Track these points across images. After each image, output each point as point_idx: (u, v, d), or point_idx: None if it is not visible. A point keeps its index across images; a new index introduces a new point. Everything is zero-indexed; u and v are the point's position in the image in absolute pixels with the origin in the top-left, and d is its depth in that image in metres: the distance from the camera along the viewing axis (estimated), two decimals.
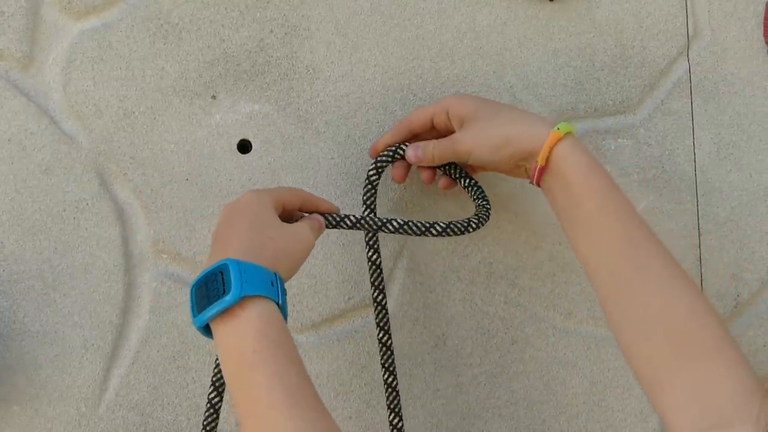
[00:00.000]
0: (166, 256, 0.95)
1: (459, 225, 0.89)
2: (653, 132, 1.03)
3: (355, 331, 0.98)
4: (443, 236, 0.89)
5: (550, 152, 0.84)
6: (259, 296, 0.75)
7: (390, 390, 0.92)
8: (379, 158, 0.93)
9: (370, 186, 0.92)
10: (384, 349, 0.92)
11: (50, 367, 0.93)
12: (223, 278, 0.74)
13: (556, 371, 1.00)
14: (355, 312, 0.98)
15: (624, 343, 0.82)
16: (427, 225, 0.88)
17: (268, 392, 0.72)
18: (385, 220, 0.88)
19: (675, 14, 1.03)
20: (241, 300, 0.74)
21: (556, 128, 0.84)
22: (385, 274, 0.98)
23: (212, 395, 0.86)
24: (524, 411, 1.00)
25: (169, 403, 0.95)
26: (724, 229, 1.03)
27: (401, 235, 0.96)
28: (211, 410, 0.86)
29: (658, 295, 0.80)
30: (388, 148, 0.93)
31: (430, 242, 0.99)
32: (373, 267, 0.92)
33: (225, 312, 0.75)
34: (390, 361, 0.92)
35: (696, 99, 1.03)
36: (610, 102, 1.02)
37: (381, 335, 0.93)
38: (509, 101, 1.00)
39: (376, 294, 0.92)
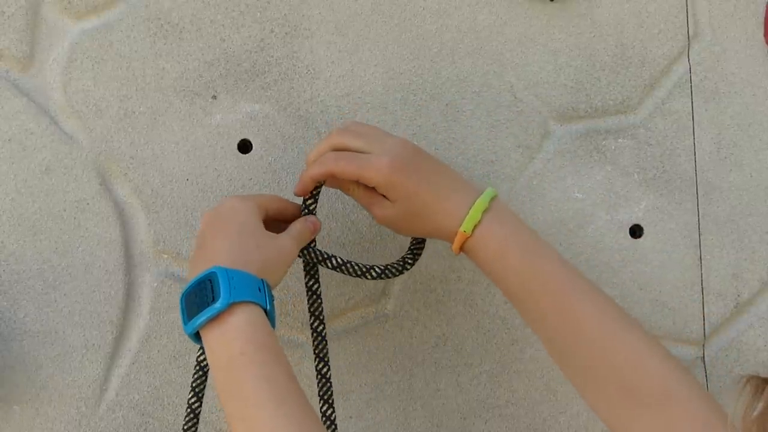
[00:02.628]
0: (166, 256, 0.95)
1: (395, 267, 0.90)
2: (654, 132, 1.03)
3: (355, 331, 0.98)
4: (381, 279, 0.90)
5: (461, 247, 0.85)
6: (247, 302, 0.76)
7: (329, 423, 0.88)
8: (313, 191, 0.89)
9: (307, 212, 0.89)
10: (323, 380, 0.89)
11: (51, 367, 0.93)
12: (212, 286, 0.76)
13: (557, 371, 1.00)
14: (355, 312, 0.98)
15: (584, 398, 0.85)
16: (366, 267, 0.89)
17: (254, 392, 0.74)
18: (327, 255, 0.88)
19: (675, 14, 1.03)
20: (230, 306, 0.75)
21: (463, 228, 0.84)
22: None
23: (192, 400, 0.86)
24: (525, 411, 1.00)
25: (169, 403, 0.95)
26: (725, 228, 1.03)
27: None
28: (191, 414, 0.86)
29: (597, 357, 0.82)
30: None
31: (430, 242, 0.99)
32: (314, 296, 0.90)
33: (214, 318, 0.76)
34: (329, 393, 0.89)
35: (696, 99, 1.03)
36: (611, 102, 1.02)
37: (319, 365, 0.89)
38: (510, 101, 1.00)
39: (316, 324, 0.89)
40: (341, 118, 0.97)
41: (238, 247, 0.79)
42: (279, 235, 0.84)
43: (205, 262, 0.79)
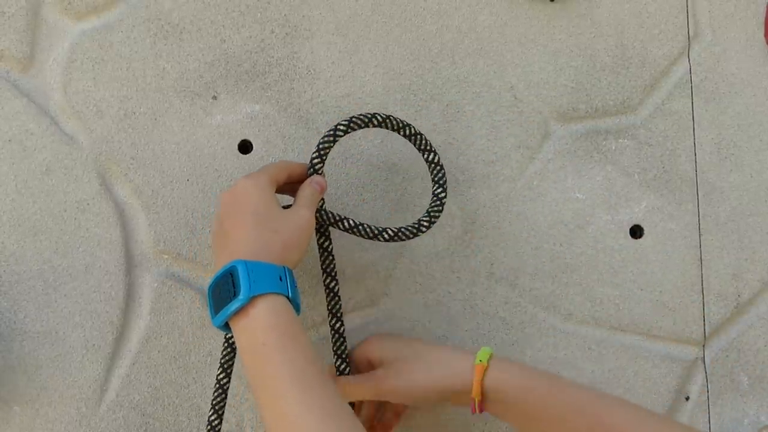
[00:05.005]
0: (167, 256, 0.95)
1: (409, 229, 0.90)
2: (654, 132, 1.02)
3: (356, 331, 0.98)
4: (394, 241, 0.90)
5: (482, 384, 0.83)
6: (269, 293, 0.77)
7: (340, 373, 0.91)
8: (356, 117, 0.89)
9: (312, 171, 0.89)
10: (336, 335, 0.91)
11: (51, 368, 0.93)
12: (233, 280, 0.78)
13: (557, 372, 1.00)
14: (356, 312, 0.98)
15: None
16: (379, 230, 0.89)
17: (278, 381, 0.75)
18: (339, 217, 0.89)
19: (676, 14, 1.03)
20: (252, 299, 0.77)
21: (478, 360, 0.83)
22: (385, 275, 0.98)
23: (221, 375, 0.88)
24: None
25: (170, 404, 0.95)
26: (725, 229, 1.03)
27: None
28: (219, 390, 0.88)
29: None
30: (329, 132, 0.89)
31: (430, 243, 0.99)
32: (326, 254, 0.91)
33: (238, 311, 0.78)
34: (343, 348, 0.91)
35: (697, 99, 1.03)
36: (611, 102, 1.02)
37: (332, 321, 0.91)
38: (510, 101, 1.00)
39: (328, 281, 0.90)
40: (342, 119, 0.97)
41: (257, 237, 0.80)
42: (293, 208, 0.84)
43: (227, 254, 0.80)
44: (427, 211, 0.91)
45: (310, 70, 0.98)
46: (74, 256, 0.94)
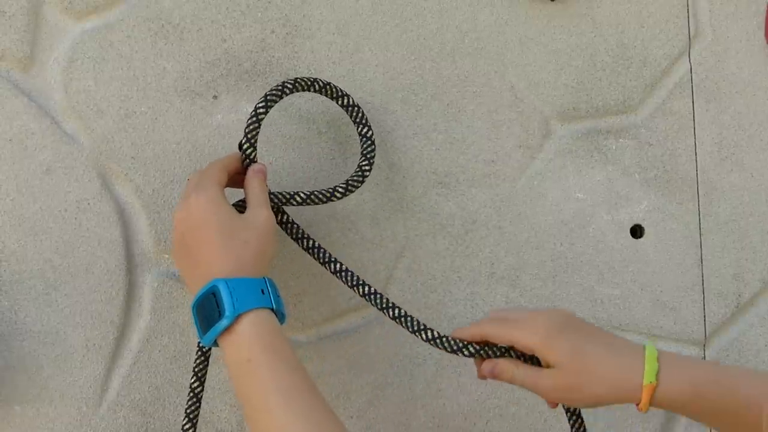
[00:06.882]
0: (167, 256, 0.95)
1: (355, 179, 0.91)
2: (655, 132, 1.03)
3: (356, 331, 0.98)
4: (346, 195, 0.90)
5: (651, 401, 0.80)
6: (253, 308, 0.78)
7: None
8: (269, 93, 0.89)
9: (248, 161, 0.88)
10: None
11: (51, 368, 0.93)
12: (216, 299, 0.77)
13: None
14: (356, 312, 0.98)
15: None
16: (330, 191, 0.90)
17: (263, 396, 0.75)
18: (290, 195, 0.88)
19: (676, 14, 1.03)
20: (237, 316, 0.77)
21: (647, 381, 0.79)
22: (386, 275, 0.98)
23: (194, 384, 0.87)
24: (525, 411, 1.00)
25: (170, 403, 0.95)
26: (726, 229, 1.03)
27: (397, 225, 0.96)
28: (194, 398, 0.87)
29: None
30: (284, 84, 0.89)
31: (431, 242, 0.99)
32: (287, 225, 0.90)
33: (225, 330, 0.78)
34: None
35: (697, 99, 1.03)
36: (612, 102, 1.02)
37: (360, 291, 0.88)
38: (511, 101, 1.00)
39: (305, 243, 0.89)
40: (343, 118, 0.97)
41: (229, 253, 0.80)
42: (250, 210, 0.83)
43: (202, 273, 0.80)
44: (363, 154, 0.92)
45: (310, 70, 0.98)
46: (75, 256, 0.94)
